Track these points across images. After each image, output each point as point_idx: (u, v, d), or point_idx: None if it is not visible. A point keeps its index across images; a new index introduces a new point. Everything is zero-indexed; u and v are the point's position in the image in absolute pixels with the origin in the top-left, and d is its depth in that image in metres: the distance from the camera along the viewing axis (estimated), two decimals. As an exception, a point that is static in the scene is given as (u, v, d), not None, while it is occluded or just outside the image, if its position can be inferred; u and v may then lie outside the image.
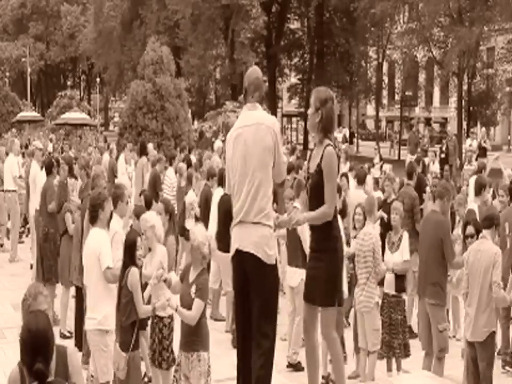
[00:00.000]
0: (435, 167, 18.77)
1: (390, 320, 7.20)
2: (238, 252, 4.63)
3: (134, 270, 5.65)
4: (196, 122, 37.69)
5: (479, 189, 9.04)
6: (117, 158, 15.91)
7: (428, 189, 11.27)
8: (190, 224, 10.50)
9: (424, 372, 6.49)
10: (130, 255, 5.73)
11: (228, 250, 5.43)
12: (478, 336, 6.22)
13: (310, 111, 4.85)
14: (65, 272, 9.02)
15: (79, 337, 7.89)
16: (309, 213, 4.73)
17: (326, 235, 4.67)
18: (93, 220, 6.18)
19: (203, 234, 5.69)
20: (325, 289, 4.64)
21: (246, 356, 4.72)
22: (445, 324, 6.68)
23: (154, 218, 6.79)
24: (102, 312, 5.99)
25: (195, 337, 5.48)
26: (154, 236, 6.62)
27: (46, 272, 9.46)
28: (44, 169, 10.70)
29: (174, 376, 5.69)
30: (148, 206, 8.35)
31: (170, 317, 6.39)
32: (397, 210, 7.33)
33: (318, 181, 4.65)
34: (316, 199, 4.67)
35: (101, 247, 6.03)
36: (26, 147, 20.10)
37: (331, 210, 4.61)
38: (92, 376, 7.29)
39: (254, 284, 4.60)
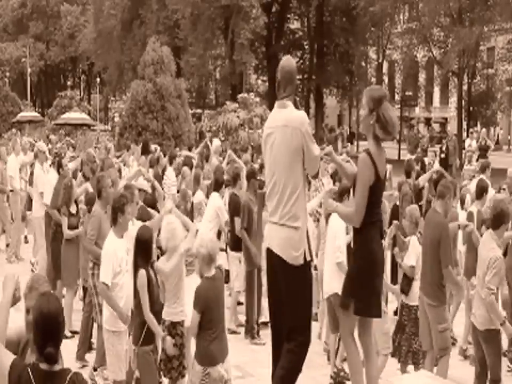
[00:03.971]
0: (435, 167, 18.74)
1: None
2: (267, 249, 4.69)
3: (141, 273, 5.67)
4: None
5: (481, 192, 8.57)
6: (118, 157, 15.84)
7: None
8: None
9: (424, 371, 6.44)
10: (144, 253, 5.73)
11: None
12: (479, 323, 6.25)
13: (363, 112, 4.52)
14: (66, 272, 8.90)
15: (83, 339, 7.81)
16: (342, 206, 4.86)
17: (364, 245, 4.55)
18: (113, 222, 6.17)
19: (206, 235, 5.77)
20: (347, 293, 4.67)
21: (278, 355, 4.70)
22: (445, 324, 6.62)
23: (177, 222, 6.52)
24: (107, 313, 6.02)
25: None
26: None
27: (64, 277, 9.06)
28: (56, 169, 10.64)
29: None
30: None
31: (182, 325, 6.11)
32: (413, 215, 7.21)
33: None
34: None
35: (105, 257, 6.04)
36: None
37: (355, 217, 4.44)
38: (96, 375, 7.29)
39: (282, 285, 4.62)
